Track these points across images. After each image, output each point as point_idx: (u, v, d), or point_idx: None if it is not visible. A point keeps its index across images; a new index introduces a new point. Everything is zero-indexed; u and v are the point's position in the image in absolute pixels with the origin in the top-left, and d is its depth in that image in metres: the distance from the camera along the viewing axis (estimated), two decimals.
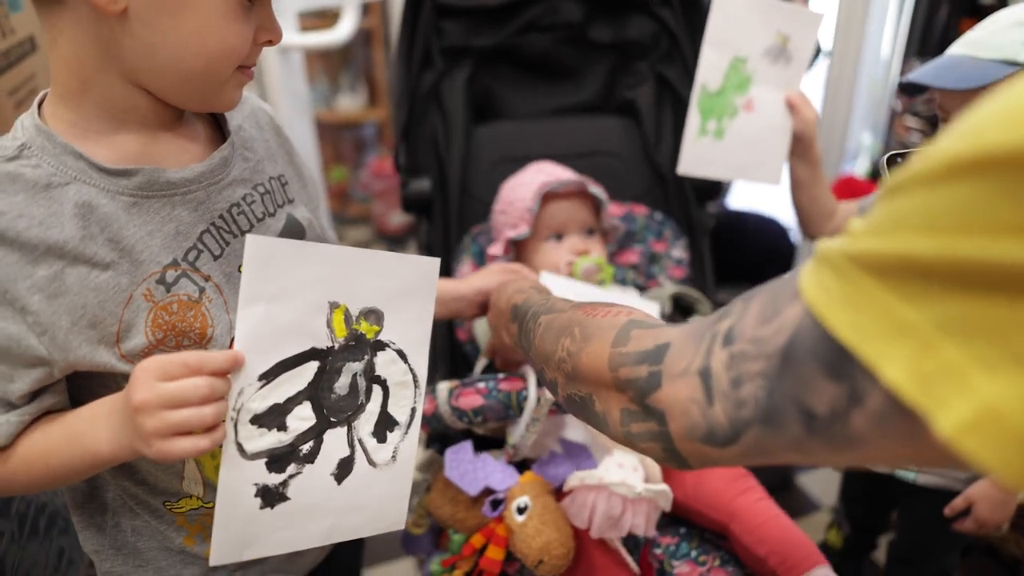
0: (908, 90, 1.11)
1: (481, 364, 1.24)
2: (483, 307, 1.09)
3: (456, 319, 1.30)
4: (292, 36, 2.12)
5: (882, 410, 0.36)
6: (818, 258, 0.40)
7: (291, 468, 0.70)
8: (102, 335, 0.68)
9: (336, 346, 0.71)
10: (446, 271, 1.38)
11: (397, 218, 3.61)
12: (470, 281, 1.08)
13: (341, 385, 0.72)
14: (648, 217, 1.40)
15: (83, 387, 0.73)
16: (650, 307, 1.23)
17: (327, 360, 0.70)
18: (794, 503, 2.11)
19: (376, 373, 0.74)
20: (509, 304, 0.89)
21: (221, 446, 0.65)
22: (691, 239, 1.43)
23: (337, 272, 0.69)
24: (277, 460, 0.69)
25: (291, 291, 0.66)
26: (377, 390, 0.75)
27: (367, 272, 0.71)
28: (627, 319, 0.61)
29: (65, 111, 0.68)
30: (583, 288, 1.22)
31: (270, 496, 0.70)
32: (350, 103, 3.66)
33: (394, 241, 3.75)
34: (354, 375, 0.73)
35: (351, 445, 0.74)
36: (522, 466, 1.05)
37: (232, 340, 0.67)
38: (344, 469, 0.74)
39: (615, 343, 0.59)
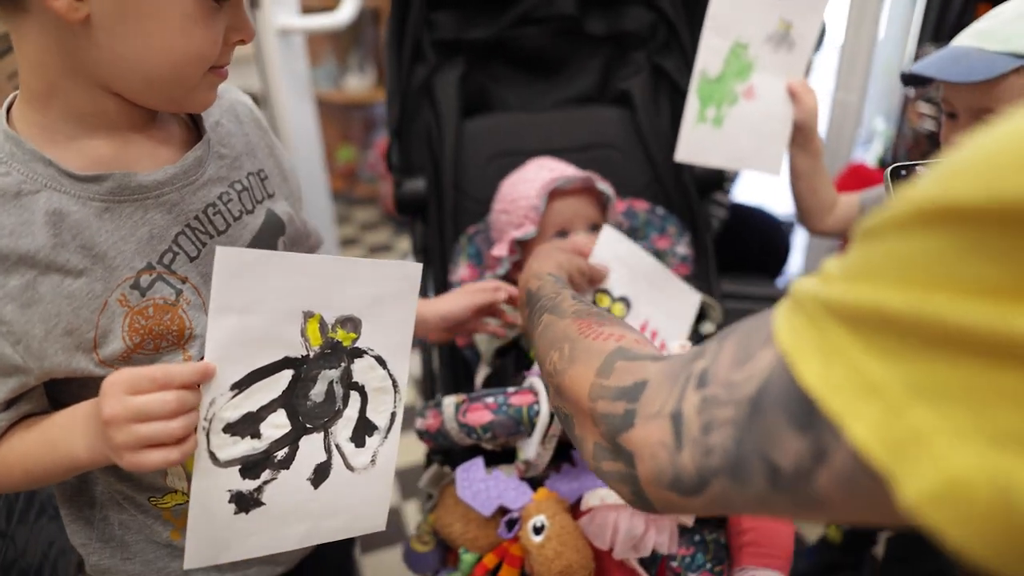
0: (912, 81, 1.07)
1: (483, 373, 1.21)
2: (449, 332, 1.08)
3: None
4: (293, 19, 2.07)
5: (848, 470, 0.35)
6: (793, 299, 0.39)
7: (265, 474, 0.71)
8: (79, 342, 0.68)
9: (311, 355, 0.70)
10: (442, 273, 1.34)
11: None
12: (436, 305, 1.06)
13: (317, 392, 0.72)
14: (650, 212, 1.36)
15: (63, 389, 0.72)
16: (692, 299, 1.20)
17: (302, 368, 0.70)
18: None
19: (354, 380, 0.74)
20: (525, 286, 0.88)
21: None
22: (694, 234, 1.39)
23: (311, 281, 0.68)
24: (251, 467, 0.70)
25: (262, 301, 0.66)
26: (355, 396, 0.75)
27: (343, 280, 0.70)
28: (616, 346, 0.59)
29: (33, 115, 0.66)
30: (640, 254, 1.18)
31: (244, 502, 0.70)
32: (358, 83, 3.61)
33: (400, 223, 3.70)
34: (330, 382, 0.72)
35: (328, 450, 0.74)
36: (534, 481, 1.02)
37: None
38: (321, 474, 0.74)
39: (599, 372, 0.57)
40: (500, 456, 1.05)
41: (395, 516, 2.07)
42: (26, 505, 1.12)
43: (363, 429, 0.76)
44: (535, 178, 1.19)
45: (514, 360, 1.18)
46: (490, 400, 0.98)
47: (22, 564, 1.06)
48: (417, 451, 1.17)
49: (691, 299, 1.21)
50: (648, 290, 1.19)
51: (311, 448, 0.73)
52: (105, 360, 0.70)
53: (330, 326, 0.71)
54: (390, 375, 0.76)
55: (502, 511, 0.96)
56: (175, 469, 0.79)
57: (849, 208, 1.28)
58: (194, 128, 0.79)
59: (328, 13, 2.12)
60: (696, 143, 1.22)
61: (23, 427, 0.71)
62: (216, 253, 0.62)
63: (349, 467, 0.76)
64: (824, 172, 1.24)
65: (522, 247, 1.22)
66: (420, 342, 1.32)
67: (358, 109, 3.89)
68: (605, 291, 1.17)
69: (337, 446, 0.75)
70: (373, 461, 0.78)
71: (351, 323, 0.72)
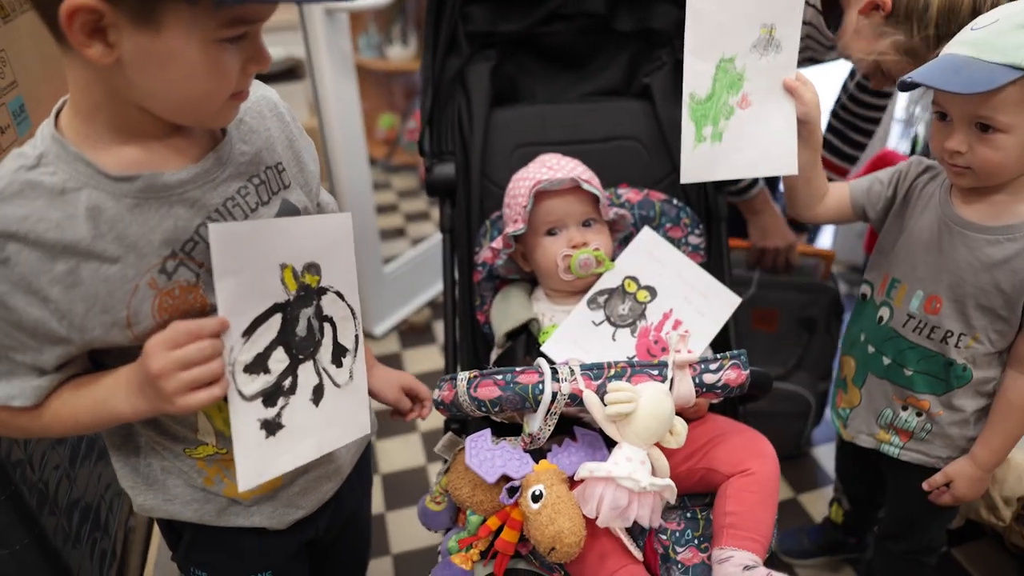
0: (910, 88, 1.11)
1: (495, 354, 1.30)
2: None
3: None
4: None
5: None
6: None
7: (280, 401, 0.87)
8: (114, 319, 0.79)
9: (291, 298, 0.87)
10: (468, 254, 1.43)
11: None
12: (371, 377, 1.13)
13: (301, 328, 0.89)
14: (666, 203, 1.42)
15: (104, 354, 0.85)
16: (729, 300, 1.28)
17: (287, 310, 0.86)
18: (805, 475, 2.18)
19: (324, 313, 0.92)
20: None
21: (226, 398, 0.80)
22: (708, 226, 1.44)
23: (280, 240, 0.85)
24: (269, 397, 0.86)
25: (250, 262, 0.81)
26: (328, 326, 0.93)
27: (300, 234, 0.87)
28: None
29: (79, 124, 0.77)
30: (677, 255, 1.30)
31: (270, 426, 0.86)
32: (401, 52, 3.71)
33: None
34: (308, 318, 0.89)
35: (319, 373, 0.92)
36: (538, 453, 1.10)
37: None
38: (318, 394, 0.92)
39: None
40: (509, 428, 1.14)
41: (420, 476, 2.18)
42: (87, 450, 1.25)
43: (338, 352, 0.95)
44: (531, 177, 1.26)
45: (524, 343, 1.27)
46: (499, 377, 1.06)
47: (82, 504, 1.18)
48: (443, 417, 1.27)
49: (728, 300, 1.27)
50: (680, 286, 1.26)
51: (307, 374, 0.90)
52: (139, 337, 0.80)
53: (299, 272, 0.87)
54: (348, 306, 0.95)
55: (506, 479, 1.06)
56: (204, 426, 0.91)
57: (839, 197, 1.33)
58: (218, 129, 0.88)
59: None
60: (699, 163, 1.24)
61: (72, 385, 0.83)
62: (209, 229, 0.76)
63: (336, 384, 0.94)
64: (819, 164, 1.28)
65: (517, 241, 1.30)
66: (449, 315, 1.42)
67: (400, 77, 3.97)
68: (634, 278, 1.27)
69: (324, 369, 0.93)
70: (351, 376, 0.96)
71: (314, 267, 0.89)
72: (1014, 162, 1.10)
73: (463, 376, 1.09)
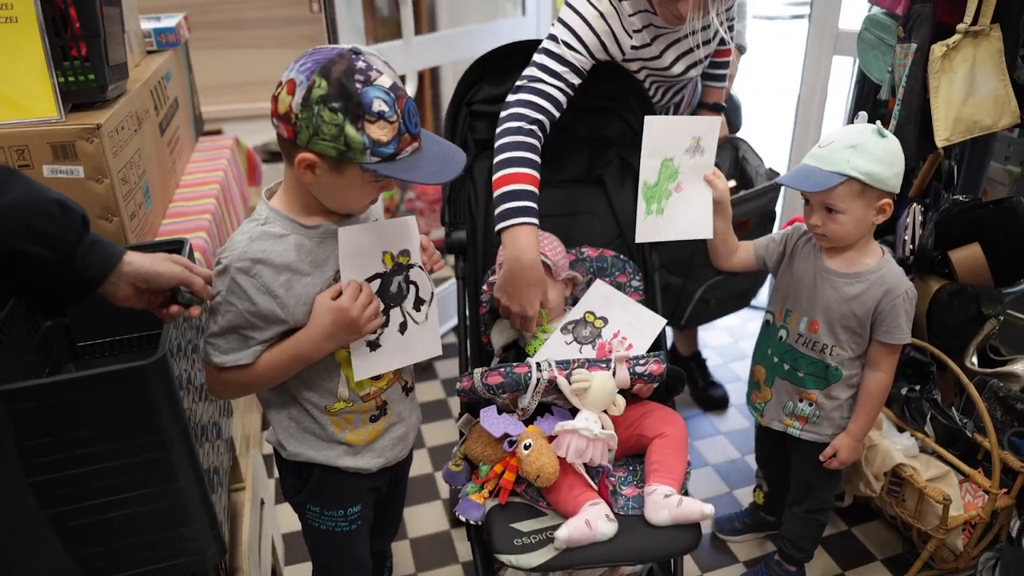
0: (779, 185, 1.68)
1: (495, 362, 1.84)
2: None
3: None
4: None
5: None
6: None
7: (379, 331, 1.35)
8: (309, 309, 1.25)
9: (388, 270, 1.33)
10: (476, 293, 1.95)
11: (436, 233, 4.18)
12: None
13: (393, 287, 1.35)
14: (615, 258, 1.96)
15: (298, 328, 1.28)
16: (658, 323, 1.79)
17: (384, 277, 1.33)
18: (741, 475, 2.67)
19: (411, 279, 1.38)
20: None
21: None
22: (645, 275, 1.98)
23: (379, 236, 1.31)
24: None
25: (362, 249, 1.28)
26: (412, 287, 1.39)
27: (393, 232, 1.34)
28: None
29: (288, 200, 1.29)
30: (621, 296, 1.83)
31: (372, 345, 1.35)
32: None
33: None
34: (399, 282, 1.36)
35: (404, 315, 1.38)
36: (528, 422, 1.61)
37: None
38: (403, 327, 1.39)
39: None
40: (508, 411, 1.66)
41: (429, 480, 2.61)
42: (245, 406, 1.73)
43: (418, 302, 1.40)
44: None
45: (514, 354, 1.81)
46: (502, 370, 1.59)
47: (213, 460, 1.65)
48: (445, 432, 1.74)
49: (657, 323, 1.81)
50: (623, 316, 1.81)
51: (395, 315, 1.37)
52: None
53: (395, 256, 1.33)
54: (428, 274, 1.41)
55: (506, 436, 1.57)
56: (342, 383, 1.35)
57: (746, 252, 1.89)
58: None
59: None
60: (648, 229, 1.80)
61: (271, 348, 1.26)
62: (339, 232, 1.23)
63: (415, 322, 1.40)
64: (731, 229, 1.84)
65: None
66: (462, 336, 1.92)
67: None
68: (592, 312, 1.82)
69: (408, 312, 1.39)
70: (427, 317, 1.42)
71: (405, 252, 1.35)
72: (852, 232, 1.65)
73: (478, 371, 1.61)
